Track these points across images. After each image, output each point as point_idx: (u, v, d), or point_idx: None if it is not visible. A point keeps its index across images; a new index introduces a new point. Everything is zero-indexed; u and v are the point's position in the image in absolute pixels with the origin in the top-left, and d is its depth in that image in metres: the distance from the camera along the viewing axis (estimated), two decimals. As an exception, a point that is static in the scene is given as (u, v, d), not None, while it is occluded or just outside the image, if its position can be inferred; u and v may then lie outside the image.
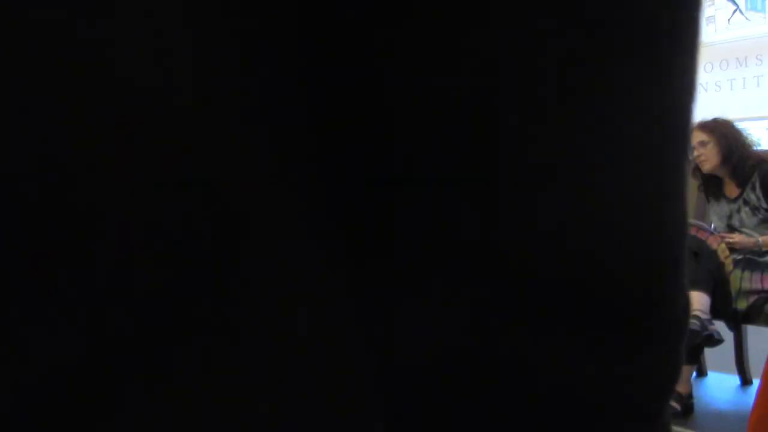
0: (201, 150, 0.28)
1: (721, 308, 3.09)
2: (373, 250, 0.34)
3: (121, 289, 0.27)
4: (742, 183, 3.29)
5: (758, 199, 3.25)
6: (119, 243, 0.27)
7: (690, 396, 3.06)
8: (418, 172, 0.33)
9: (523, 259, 0.33)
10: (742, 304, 3.14)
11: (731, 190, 3.35)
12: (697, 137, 3.32)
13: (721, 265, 3.11)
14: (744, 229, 3.27)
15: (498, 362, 0.34)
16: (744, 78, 5.77)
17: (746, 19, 5.71)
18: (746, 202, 3.29)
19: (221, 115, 0.29)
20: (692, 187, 3.59)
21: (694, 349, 2.96)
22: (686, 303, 0.38)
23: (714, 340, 2.88)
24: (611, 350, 0.35)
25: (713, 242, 3.14)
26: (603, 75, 0.33)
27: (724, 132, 3.29)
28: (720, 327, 3.01)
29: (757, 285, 3.13)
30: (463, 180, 0.33)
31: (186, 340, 0.28)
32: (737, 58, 5.76)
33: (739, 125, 3.44)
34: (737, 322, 3.24)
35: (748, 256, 3.21)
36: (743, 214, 3.29)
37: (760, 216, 3.25)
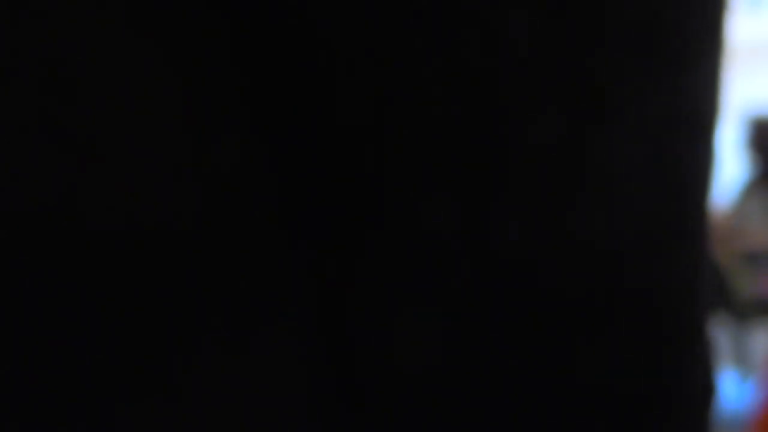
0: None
1: (721, 308, 3.10)
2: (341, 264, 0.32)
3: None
4: (743, 184, 3.30)
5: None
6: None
7: (690, 394, 3.07)
8: (396, 176, 0.31)
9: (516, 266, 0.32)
10: (742, 304, 3.15)
11: (731, 190, 3.36)
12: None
13: (721, 265, 3.12)
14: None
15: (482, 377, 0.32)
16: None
17: (746, 19, 5.71)
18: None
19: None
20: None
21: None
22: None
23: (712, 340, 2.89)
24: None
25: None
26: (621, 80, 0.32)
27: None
28: (719, 326, 3.02)
29: (756, 285, 3.14)
30: (447, 181, 0.31)
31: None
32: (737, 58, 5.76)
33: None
34: (737, 320, 3.26)
35: (748, 256, 3.22)
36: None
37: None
